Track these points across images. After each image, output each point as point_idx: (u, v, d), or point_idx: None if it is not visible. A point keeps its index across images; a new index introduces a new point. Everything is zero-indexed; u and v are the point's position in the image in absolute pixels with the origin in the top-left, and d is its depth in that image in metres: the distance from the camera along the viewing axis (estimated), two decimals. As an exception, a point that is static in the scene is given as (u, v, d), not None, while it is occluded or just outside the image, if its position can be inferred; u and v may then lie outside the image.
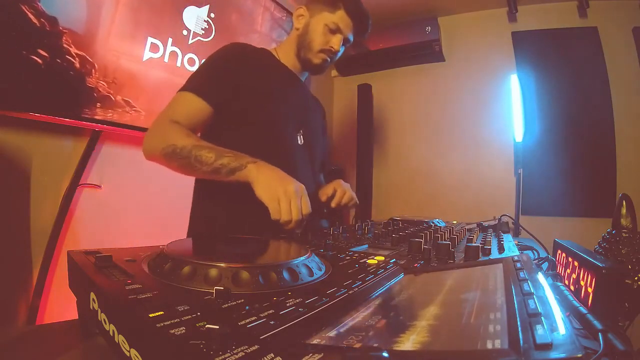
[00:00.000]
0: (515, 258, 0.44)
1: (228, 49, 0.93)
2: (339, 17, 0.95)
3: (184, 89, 0.85)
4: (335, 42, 0.97)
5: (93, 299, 0.32)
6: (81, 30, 1.21)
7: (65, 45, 1.16)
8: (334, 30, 0.96)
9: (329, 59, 1.00)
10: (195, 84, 0.86)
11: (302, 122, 1.02)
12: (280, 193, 0.67)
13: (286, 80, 1.01)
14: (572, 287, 0.61)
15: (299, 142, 1.00)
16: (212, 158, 0.73)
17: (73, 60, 1.19)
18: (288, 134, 0.97)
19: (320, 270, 0.42)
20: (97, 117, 1.28)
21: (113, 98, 1.31)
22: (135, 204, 1.52)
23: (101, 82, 1.27)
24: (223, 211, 0.91)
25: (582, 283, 0.55)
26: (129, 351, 0.26)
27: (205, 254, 0.50)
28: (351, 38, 1.00)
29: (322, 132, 1.18)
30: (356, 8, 0.97)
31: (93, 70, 1.25)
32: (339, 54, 1.01)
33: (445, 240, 0.66)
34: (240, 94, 0.88)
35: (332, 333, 0.26)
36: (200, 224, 0.95)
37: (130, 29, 1.36)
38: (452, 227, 0.93)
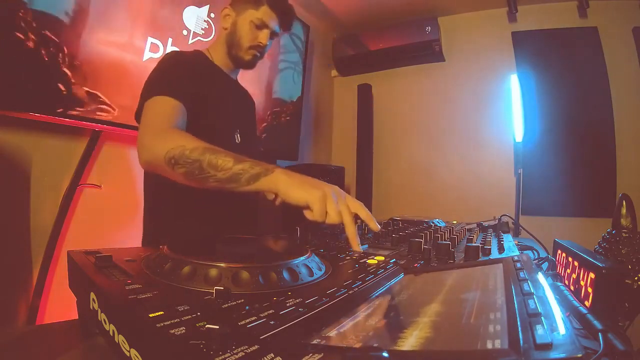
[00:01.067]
0: (515, 258, 0.44)
1: (170, 57, 0.93)
2: (263, 12, 0.98)
3: (155, 94, 0.80)
4: (263, 37, 1.00)
5: (93, 299, 0.32)
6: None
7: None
8: (260, 26, 0.99)
9: (258, 54, 1.02)
10: (163, 87, 0.81)
11: (238, 121, 1.05)
12: (327, 193, 0.60)
13: (222, 83, 1.03)
14: (572, 287, 0.61)
15: (237, 141, 1.01)
16: (230, 162, 0.64)
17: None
18: (228, 136, 0.99)
19: (320, 270, 0.42)
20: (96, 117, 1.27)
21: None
22: (135, 204, 1.52)
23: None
24: (180, 215, 0.89)
25: (582, 283, 0.55)
26: (129, 351, 0.26)
27: (205, 254, 0.50)
28: (278, 30, 1.03)
29: (254, 123, 1.21)
30: (279, 1, 1.00)
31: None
32: (268, 47, 1.04)
33: (445, 240, 0.66)
34: (192, 99, 0.86)
35: (332, 333, 0.26)
36: (153, 234, 0.93)
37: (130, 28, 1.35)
38: (452, 227, 0.93)
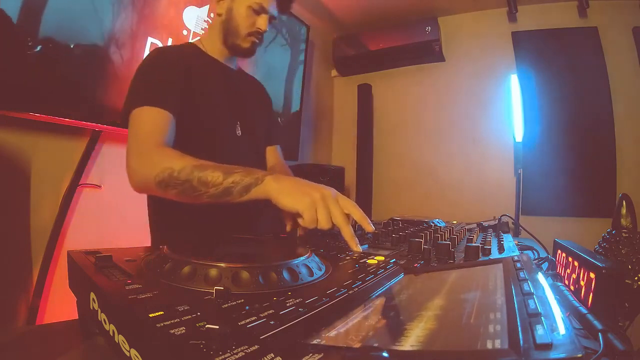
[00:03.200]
0: (515, 258, 0.44)
1: (154, 56, 0.88)
2: None
3: (139, 104, 0.76)
4: (262, 22, 0.93)
5: (93, 299, 0.32)
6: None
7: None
8: (258, 11, 0.92)
9: (257, 40, 0.96)
10: (149, 96, 0.78)
11: (238, 112, 0.99)
12: (316, 199, 0.59)
13: (216, 74, 0.97)
14: (572, 287, 0.61)
15: (238, 133, 0.97)
16: (219, 177, 0.64)
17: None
18: (227, 129, 0.95)
19: (320, 270, 0.42)
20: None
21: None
22: (135, 204, 1.52)
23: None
24: (186, 228, 0.87)
25: (582, 283, 0.55)
26: (129, 351, 0.26)
27: (205, 254, 0.50)
28: (276, 13, 0.97)
29: (266, 116, 1.13)
30: None
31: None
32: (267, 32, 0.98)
33: (445, 240, 0.66)
34: (182, 100, 0.83)
35: (332, 333, 0.26)
36: (161, 237, 0.93)
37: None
38: (452, 227, 0.93)
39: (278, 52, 2.18)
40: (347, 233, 0.59)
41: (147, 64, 0.86)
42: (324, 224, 0.59)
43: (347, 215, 0.61)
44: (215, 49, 0.98)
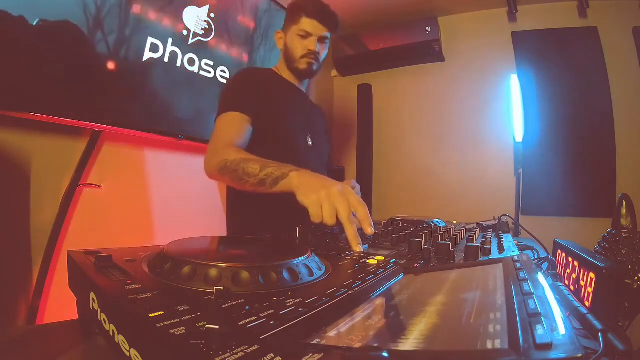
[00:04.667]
0: (515, 258, 0.44)
1: (244, 73, 1.12)
2: (304, 23, 1.10)
3: (223, 111, 0.98)
4: (310, 44, 1.11)
5: (93, 299, 0.32)
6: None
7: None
8: (305, 36, 1.11)
9: (313, 61, 1.14)
10: (230, 103, 0.99)
11: (308, 126, 1.18)
12: (322, 196, 0.63)
13: (291, 93, 1.17)
14: (572, 287, 0.61)
15: (309, 143, 1.16)
16: (257, 169, 0.77)
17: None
18: (301, 139, 1.14)
19: (320, 270, 0.42)
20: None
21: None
22: (135, 204, 1.52)
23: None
24: (257, 214, 1.03)
25: (582, 283, 0.55)
26: (129, 351, 0.26)
27: (205, 254, 0.50)
28: (324, 34, 1.13)
29: (325, 131, 1.34)
30: (314, 9, 1.10)
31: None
32: (325, 54, 1.17)
33: (445, 240, 0.66)
34: (261, 112, 1.01)
35: (332, 333, 0.26)
36: (237, 226, 1.11)
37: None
38: (452, 227, 0.93)
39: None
40: (350, 231, 0.59)
41: (234, 80, 1.10)
42: (327, 220, 0.62)
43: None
44: (287, 76, 1.19)
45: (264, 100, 1.03)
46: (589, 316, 0.41)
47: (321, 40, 1.13)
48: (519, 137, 2.14)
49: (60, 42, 1.16)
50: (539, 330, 0.22)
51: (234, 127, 0.96)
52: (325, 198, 0.62)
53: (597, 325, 0.38)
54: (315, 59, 1.14)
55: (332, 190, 0.63)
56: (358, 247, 0.59)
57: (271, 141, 1.04)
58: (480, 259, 0.50)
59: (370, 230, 0.63)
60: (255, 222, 1.07)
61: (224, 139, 0.92)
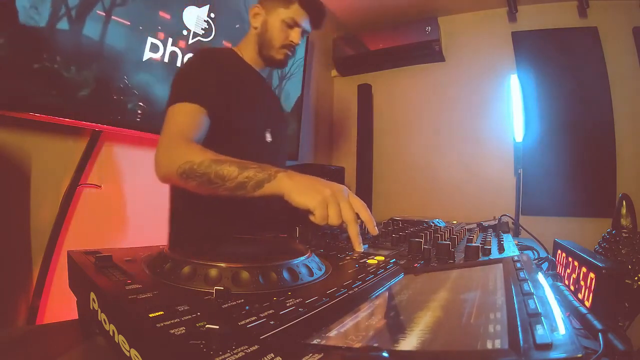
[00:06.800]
0: (515, 258, 0.44)
1: (202, 57, 0.94)
2: (294, 11, 0.97)
3: (177, 100, 0.82)
4: (295, 36, 0.99)
5: (93, 299, 0.32)
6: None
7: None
8: (292, 25, 0.98)
9: (290, 53, 1.02)
10: (186, 93, 0.83)
11: (269, 120, 1.04)
12: (327, 195, 0.60)
13: (255, 83, 1.04)
14: (572, 287, 0.61)
15: (268, 139, 1.02)
16: (235, 172, 0.67)
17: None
18: (259, 133, 1.00)
19: (320, 270, 0.42)
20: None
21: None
22: (135, 204, 1.52)
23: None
24: (204, 219, 0.90)
25: (582, 283, 0.55)
26: (129, 351, 0.26)
27: (205, 254, 0.50)
28: (309, 29, 1.02)
29: (286, 126, 1.20)
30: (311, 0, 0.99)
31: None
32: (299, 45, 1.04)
33: (445, 240, 0.66)
34: (219, 104, 0.87)
35: (332, 333, 0.26)
36: (180, 233, 0.95)
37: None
38: (452, 227, 0.93)
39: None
40: (353, 231, 0.60)
41: (190, 64, 0.92)
42: (334, 220, 0.60)
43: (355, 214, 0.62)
44: (251, 59, 1.03)
45: (223, 92, 0.89)
46: (589, 316, 0.41)
47: (303, 33, 1.01)
48: (519, 137, 2.14)
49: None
50: (539, 330, 0.22)
51: (191, 119, 0.81)
52: (331, 198, 0.60)
53: (597, 325, 0.38)
54: (293, 52, 1.03)
55: (335, 189, 0.62)
56: (360, 247, 0.59)
57: (225, 136, 0.89)
58: (480, 259, 0.50)
59: (375, 231, 0.63)
60: (206, 230, 0.92)
61: (180, 134, 0.78)
